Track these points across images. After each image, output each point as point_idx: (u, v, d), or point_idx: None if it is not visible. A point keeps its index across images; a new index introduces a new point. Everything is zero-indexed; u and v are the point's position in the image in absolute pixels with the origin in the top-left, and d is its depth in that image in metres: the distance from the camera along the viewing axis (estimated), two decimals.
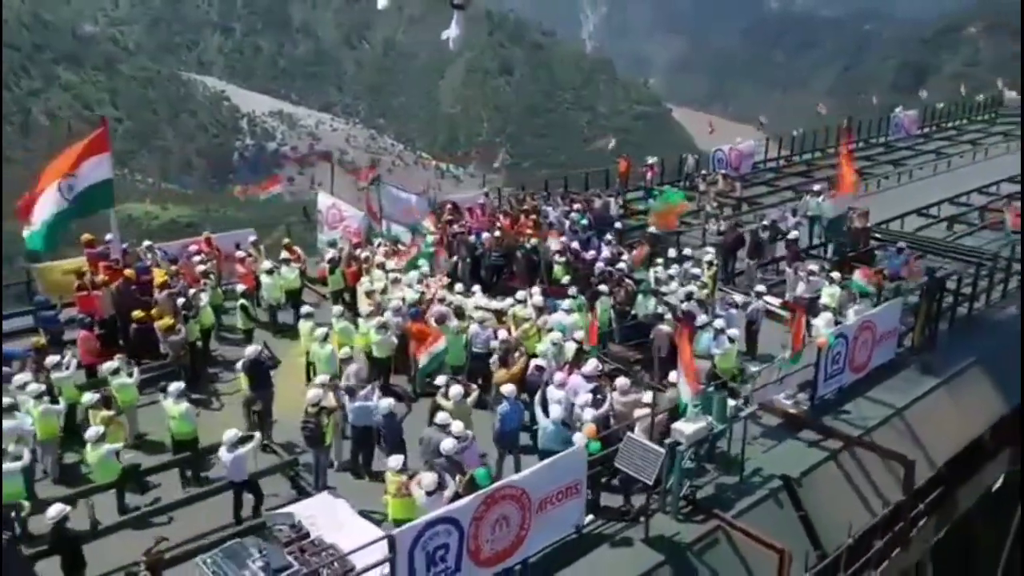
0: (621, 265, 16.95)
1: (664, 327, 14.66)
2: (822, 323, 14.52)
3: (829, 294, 16.08)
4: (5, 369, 12.61)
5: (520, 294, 15.28)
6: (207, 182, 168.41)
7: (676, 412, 11.85)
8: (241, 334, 15.79)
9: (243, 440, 10.89)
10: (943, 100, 45.22)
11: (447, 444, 10.46)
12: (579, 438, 10.66)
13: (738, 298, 15.51)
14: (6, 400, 11.25)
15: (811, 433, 13.51)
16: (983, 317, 17.71)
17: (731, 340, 13.83)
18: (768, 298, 16.21)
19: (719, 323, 14.15)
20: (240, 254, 17.17)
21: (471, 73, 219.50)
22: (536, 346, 13.91)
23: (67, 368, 12.62)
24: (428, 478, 9.74)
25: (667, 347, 14.61)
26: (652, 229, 20.20)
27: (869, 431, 13.63)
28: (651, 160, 26.78)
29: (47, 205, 14.37)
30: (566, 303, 14.89)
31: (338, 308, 14.90)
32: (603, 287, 15.72)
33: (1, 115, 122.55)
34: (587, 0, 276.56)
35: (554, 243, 18.40)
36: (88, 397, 11.60)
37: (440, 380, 12.70)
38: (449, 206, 20.67)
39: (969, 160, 31.59)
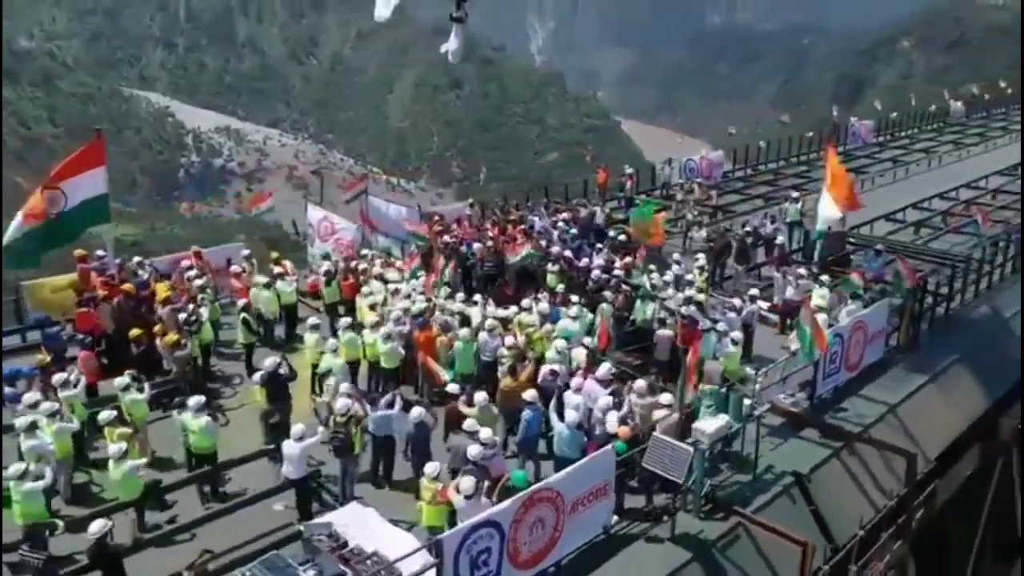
0: (617, 272, 17.25)
1: (666, 331, 15.01)
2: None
3: (820, 296, 16.59)
4: (9, 389, 12.33)
5: (525, 302, 15.47)
6: (152, 200, 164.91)
7: (692, 413, 12.15)
8: (241, 348, 15.67)
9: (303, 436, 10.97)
10: (882, 111, 47.10)
11: (474, 450, 10.57)
12: (625, 432, 11.01)
13: (736, 302, 15.90)
14: (26, 418, 10.99)
15: (813, 431, 13.95)
16: (959, 316, 18.44)
17: (734, 343, 14.21)
18: (759, 302, 16.65)
19: (722, 326, 14.52)
20: (235, 268, 17.02)
21: (420, 88, 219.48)
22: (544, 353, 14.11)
23: (75, 386, 12.39)
24: (467, 482, 9.84)
25: (668, 351, 15.00)
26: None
27: (868, 428, 14.11)
28: (629, 170, 27.28)
29: (31, 217, 14.09)
30: (572, 310, 15.10)
31: (346, 320, 14.87)
32: (606, 293, 15.96)
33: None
34: (535, 15, 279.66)
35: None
36: (105, 415, 11.42)
37: (453, 388, 12.82)
38: (436, 217, 20.77)
39: (925, 168, 32.82)
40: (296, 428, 11.05)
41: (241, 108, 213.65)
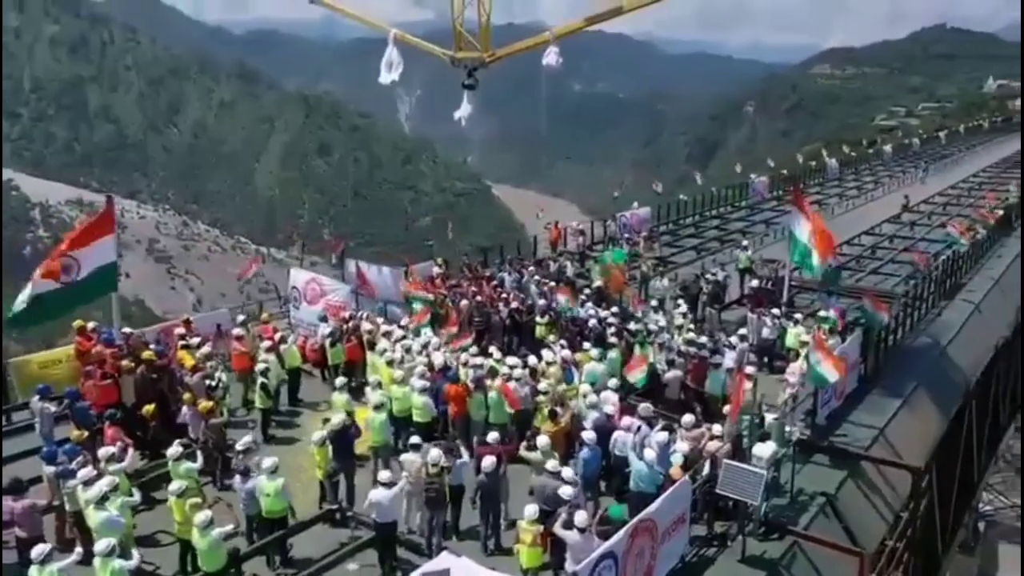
0: (611, 320, 18.10)
1: (676, 372, 15.90)
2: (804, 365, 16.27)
3: (794, 334, 18.04)
4: (50, 468, 11.64)
5: (546, 351, 16.02)
6: None
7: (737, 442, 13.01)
8: (244, 413, 15.35)
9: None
10: (741, 172, 51.21)
11: (568, 491, 10.92)
12: (676, 472, 11.58)
13: (734, 340, 17.05)
14: (95, 491, 10.45)
15: (821, 455, 15.10)
16: (905, 347, 20.40)
17: (748, 378, 15.25)
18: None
19: (729, 364, 15.58)
20: (237, 332, 16.62)
21: (289, 156, 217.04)
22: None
23: (121, 460, 11.83)
24: (581, 516, 10.18)
25: (678, 391, 15.88)
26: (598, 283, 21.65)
27: (867, 448, 15.43)
28: (580, 225, 28.51)
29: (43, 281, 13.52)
30: (594, 352, 15.78)
31: (375, 378, 14.88)
32: (612, 339, 16.73)
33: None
34: (402, 84, 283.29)
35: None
36: (176, 486, 10.97)
37: (493, 436, 13.07)
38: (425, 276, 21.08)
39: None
40: (384, 474, 11.09)
41: (95, 180, 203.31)
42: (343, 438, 12.22)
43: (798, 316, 18.67)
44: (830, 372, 14.59)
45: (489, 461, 11.91)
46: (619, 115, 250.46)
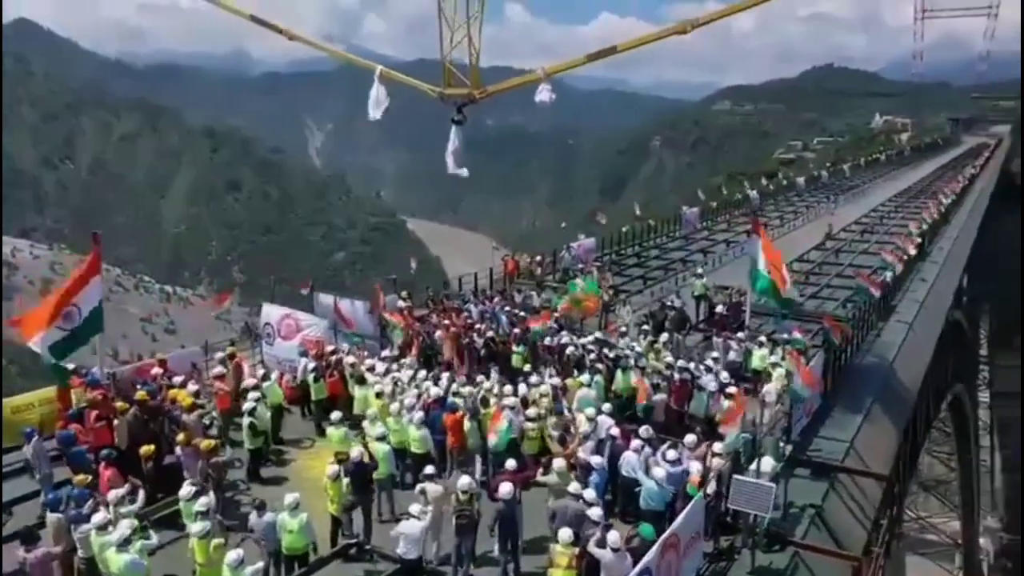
0: (591, 346, 18.58)
1: (660, 395, 16.48)
2: (777, 385, 17.13)
3: (759, 357, 18.94)
4: (54, 515, 11.17)
5: (534, 379, 16.32)
6: None
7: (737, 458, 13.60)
8: (246, 453, 15.01)
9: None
10: (645, 201, 52.69)
11: (596, 513, 11.23)
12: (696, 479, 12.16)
13: (709, 363, 17.76)
14: (117, 534, 10.11)
15: (802, 468, 15.87)
16: (857, 365, 21.60)
17: (728, 397, 15.94)
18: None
19: (712, 387, 16.26)
20: (219, 371, 16.29)
21: (196, 191, 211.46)
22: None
23: (132, 502, 11.47)
24: (614, 535, 10.47)
25: (663, 413, 16.45)
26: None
27: (842, 460, 16.30)
28: (537, 257, 29.00)
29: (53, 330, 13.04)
30: (584, 377, 16.19)
31: (372, 411, 14.84)
32: (599, 365, 17.19)
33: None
34: (312, 117, 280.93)
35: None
36: (200, 526, 10.68)
37: (509, 464, 13.28)
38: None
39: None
40: (415, 507, 11.09)
41: None
42: (361, 471, 12.17)
43: (762, 339, 19.58)
44: (805, 388, 15.46)
45: (507, 488, 12.06)
46: (531, 149, 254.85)
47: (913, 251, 31.35)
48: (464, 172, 17.00)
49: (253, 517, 11.55)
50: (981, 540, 66.81)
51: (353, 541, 12.05)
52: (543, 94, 15.02)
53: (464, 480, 11.54)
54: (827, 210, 49.22)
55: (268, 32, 18.01)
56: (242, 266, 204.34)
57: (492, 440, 14.20)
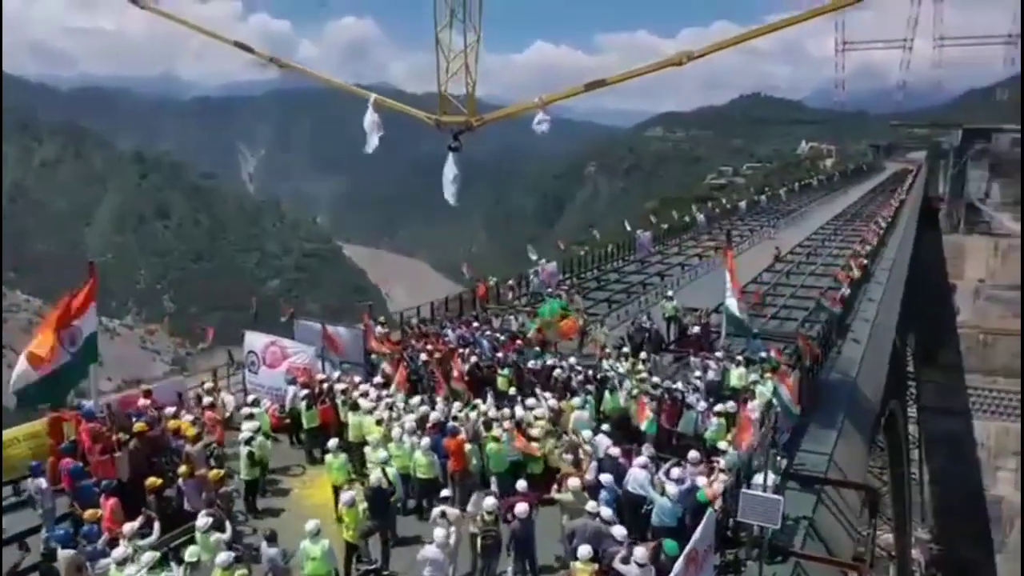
0: (578, 367, 18.91)
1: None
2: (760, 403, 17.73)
3: (737, 376, 19.56)
4: (64, 552, 10.84)
5: (530, 401, 16.53)
6: None
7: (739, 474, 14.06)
8: (241, 483, 14.77)
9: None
10: (583, 224, 53.16)
11: (619, 531, 11.49)
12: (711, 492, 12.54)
13: (696, 382, 18.28)
14: (142, 568, 9.91)
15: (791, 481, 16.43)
16: (824, 381, 22.46)
17: (718, 415, 16.45)
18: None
19: (702, 405, 16.75)
20: (208, 400, 16.03)
21: (123, 218, 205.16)
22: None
23: (145, 536, 11.23)
24: (640, 551, 10.73)
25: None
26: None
27: (825, 472, 16.94)
28: (511, 281, 29.24)
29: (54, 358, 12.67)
30: (576, 400, 16.48)
31: (374, 437, 14.82)
32: (588, 386, 17.51)
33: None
34: (244, 142, 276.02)
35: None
36: (224, 557, 10.53)
37: (521, 485, 13.44)
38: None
39: (707, 268, 38.65)
40: (440, 532, 11.13)
41: None
42: (380, 495, 12.16)
43: (739, 358, 20.22)
44: (795, 406, 16.09)
45: (522, 508, 12.22)
46: (468, 174, 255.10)
47: (857, 273, 32.77)
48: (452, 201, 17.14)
49: (264, 547, 11.43)
50: (913, 552, 69.20)
51: (372, 567, 11.99)
52: (542, 124, 15.39)
53: (489, 501, 11.65)
54: (768, 234, 51.00)
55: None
56: (172, 295, 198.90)
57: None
